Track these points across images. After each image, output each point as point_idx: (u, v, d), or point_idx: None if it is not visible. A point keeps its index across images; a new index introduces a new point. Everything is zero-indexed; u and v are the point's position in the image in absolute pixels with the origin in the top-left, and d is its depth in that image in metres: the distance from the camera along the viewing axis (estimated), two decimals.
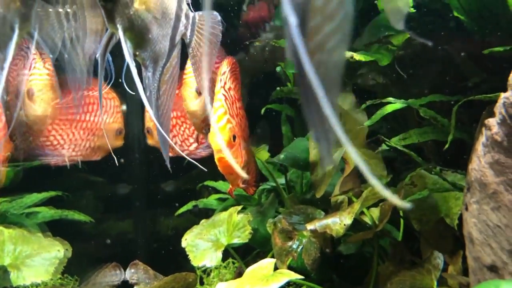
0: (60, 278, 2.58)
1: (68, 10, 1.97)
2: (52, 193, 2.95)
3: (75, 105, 2.27)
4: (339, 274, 2.47)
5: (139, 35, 1.50)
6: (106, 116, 2.44)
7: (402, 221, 2.29)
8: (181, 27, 1.65)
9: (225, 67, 2.05)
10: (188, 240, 2.49)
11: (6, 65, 1.50)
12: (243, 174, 2.14)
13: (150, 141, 2.72)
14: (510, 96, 1.31)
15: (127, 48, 1.46)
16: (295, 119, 3.16)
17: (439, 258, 1.82)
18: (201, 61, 1.78)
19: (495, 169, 1.33)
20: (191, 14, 1.70)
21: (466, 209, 1.44)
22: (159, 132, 1.66)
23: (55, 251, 2.16)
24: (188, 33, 1.70)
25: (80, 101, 2.27)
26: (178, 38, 1.67)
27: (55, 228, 2.81)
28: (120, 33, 1.45)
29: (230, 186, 2.18)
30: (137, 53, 1.54)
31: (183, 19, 1.65)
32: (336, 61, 0.66)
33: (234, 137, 2.03)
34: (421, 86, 2.19)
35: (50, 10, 1.92)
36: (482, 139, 1.39)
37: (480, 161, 1.37)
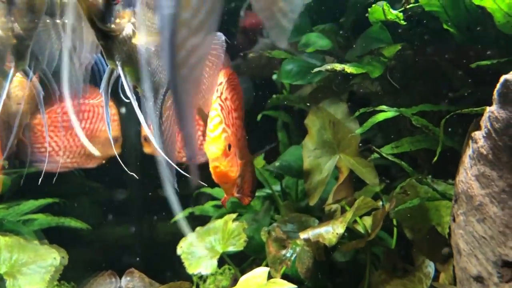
0: (56, 285, 2.59)
1: (66, 21, 2.00)
2: (49, 200, 2.96)
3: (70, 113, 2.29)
4: (334, 281, 2.49)
5: (139, 68, 1.52)
6: (102, 124, 2.45)
7: (395, 229, 2.32)
8: None
9: (221, 77, 2.09)
10: (184, 248, 2.51)
11: (1, 101, 1.53)
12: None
13: (146, 149, 2.74)
14: (495, 110, 1.35)
15: (127, 83, 1.49)
16: (291, 126, 3.19)
17: (430, 267, 1.85)
18: (204, 85, 1.79)
19: (481, 182, 1.36)
20: None
21: (454, 220, 1.47)
22: (165, 158, 1.67)
23: (51, 259, 2.18)
24: None
25: (76, 109, 2.30)
26: None
27: (52, 235, 2.82)
28: (120, 69, 1.48)
29: (224, 196, 2.20)
30: (137, 85, 1.57)
31: None
32: (196, 77, 0.67)
33: (230, 146, 2.05)
34: (413, 96, 2.23)
35: (48, 21, 1.95)
36: (468, 151, 1.42)
37: (467, 173, 1.40)
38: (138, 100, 1.59)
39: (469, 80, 1.99)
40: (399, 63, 2.15)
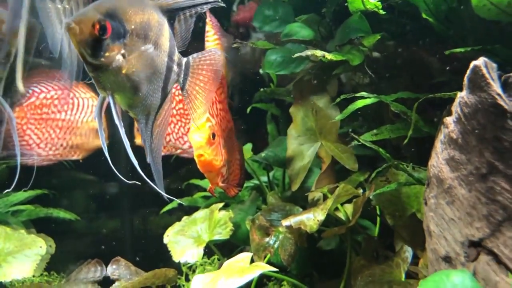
0: (46, 275, 2.62)
1: (66, 6, 2.05)
2: (38, 192, 2.98)
3: (62, 97, 2.31)
4: (319, 269, 2.53)
5: (130, 95, 1.58)
6: (84, 115, 2.45)
7: (378, 218, 2.35)
8: (173, 76, 1.72)
9: None
10: (170, 237, 2.53)
11: None
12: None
13: (138, 141, 2.74)
14: (465, 96, 1.38)
15: (115, 111, 1.54)
16: (280, 118, 3.22)
17: (408, 252, 1.89)
18: (197, 100, 1.83)
19: (450, 165, 1.39)
20: (183, 61, 1.77)
21: (426, 203, 1.51)
22: (155, 171, 1.75)
23: (37, 248, 2.20)
24: (181, 79, 1.76)
25: (67, 95, 2.33)
26: (170, 87, 1.73)
27: (43, 227, 2.84)
28: (110, 98, 1.54)
29: (210, 185, 2.23)
30: (129, 110, 1.63)
31: (175, 68, 1.72)
32: None
33: (214, 135, 2.08)
34: (395, 85, 2.26)
35: (50, 6, 2.00)
36: (440, 136, 1.46)
37: (438, 158, 1.43)
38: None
39: (448, 68, 2.02)
40: (380, 53, 2.18)
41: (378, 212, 2.36)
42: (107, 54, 1.47)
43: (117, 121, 1.56)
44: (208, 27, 2.28)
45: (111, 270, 2.23)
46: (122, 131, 1.56)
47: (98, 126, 1.65)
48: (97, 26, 1.43)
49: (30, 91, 2.29)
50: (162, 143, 1.82)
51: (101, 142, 1.65)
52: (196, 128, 2.04)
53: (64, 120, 2.39)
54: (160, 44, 1.63)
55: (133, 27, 1.52)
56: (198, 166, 2.09)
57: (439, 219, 1.41)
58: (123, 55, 1.52)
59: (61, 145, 2.41)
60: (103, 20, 1.44)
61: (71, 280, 2.25)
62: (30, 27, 2.03)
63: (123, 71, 1.52)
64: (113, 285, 2.13)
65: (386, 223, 2.24)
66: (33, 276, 2.22)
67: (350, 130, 2.01)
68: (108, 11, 1.48)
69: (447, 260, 1.38)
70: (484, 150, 1.30)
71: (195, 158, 2.05)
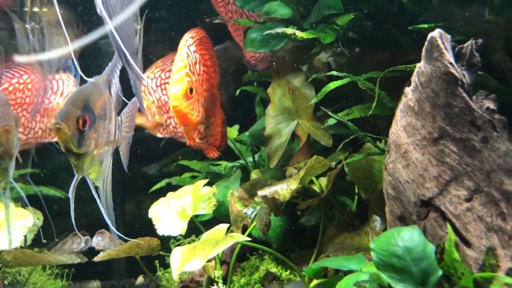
0: (37, 251, 2.70)
1: (37, 26, 2.23)
2: (28, 170, 3.05)
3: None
4: (299, 243, 2.63)
5: (97, 170, 1.82)
6: (60, 97, 2.45)
7: (356, 196, 2.44)
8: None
9: (191, 33, 2.19)
10: (155, 211, 2.61)
11: None
12: None
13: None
14: (422, 66, 1.45)
15: (93, 188, 1.79)
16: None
17: (377, 221, 1.98)
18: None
19: (407, 131, 1.47)
20: (118, 120, 2.00)
21: (385, 169, 1.59)
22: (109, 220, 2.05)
23: (24, 220, 2.28)
24: (118, 137, 2.03)
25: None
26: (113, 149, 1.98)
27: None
28: (87, 177, 1.77)
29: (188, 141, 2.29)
30: (94, 181, 1.86)
31: (116, 131, 1.98)
32: None
33: (191, 90, 2.13)
34: (370, 65, 2.32)
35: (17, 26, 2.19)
36: (400, 106, 1.53)
37: (397, 125, 1.51)
38: None
39: (418, 47, 2.09)
40: (356, 33, 2.24)
41: (356, 191, 2.45)
42: (87, 142, 1.68)
43: (95, 195, 1.81)
44: None
45: (96, 241, 2.31)
46: (98, 202, 1.83)
47: (70, 202, 1.81)
48: (80, 122, 1.64)
49: (3, 77, 2.34)
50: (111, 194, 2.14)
51: (71, 212, 1.81)
52: (174, 81, 2.09)
53: (39, 103, 2.40)
54: (111, 117, 1.87)
55: (98, 112, 1.75)
56: (175, 118, 2.16)
57: (396, 182, 1.50)
58: (95, 139, 1.73)
59: (40, 128, 2.45)
60: (83, 115, 1.65)
61: (58, 250, 2.34)
62: None
63: (95, 152, 1.74)
64: (98, 254, 2.21)
65: (362, 198, 2.33)
66: (21, 247, 2.29)
67: (325, 109, 2.08)
68: (84, 104, 1.68)
69: (402, 220, 1.47)
70: (437, 116, 1.38)
71: (171, 109, 2.10)
